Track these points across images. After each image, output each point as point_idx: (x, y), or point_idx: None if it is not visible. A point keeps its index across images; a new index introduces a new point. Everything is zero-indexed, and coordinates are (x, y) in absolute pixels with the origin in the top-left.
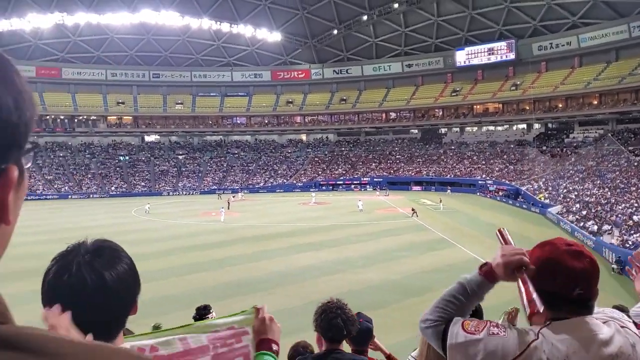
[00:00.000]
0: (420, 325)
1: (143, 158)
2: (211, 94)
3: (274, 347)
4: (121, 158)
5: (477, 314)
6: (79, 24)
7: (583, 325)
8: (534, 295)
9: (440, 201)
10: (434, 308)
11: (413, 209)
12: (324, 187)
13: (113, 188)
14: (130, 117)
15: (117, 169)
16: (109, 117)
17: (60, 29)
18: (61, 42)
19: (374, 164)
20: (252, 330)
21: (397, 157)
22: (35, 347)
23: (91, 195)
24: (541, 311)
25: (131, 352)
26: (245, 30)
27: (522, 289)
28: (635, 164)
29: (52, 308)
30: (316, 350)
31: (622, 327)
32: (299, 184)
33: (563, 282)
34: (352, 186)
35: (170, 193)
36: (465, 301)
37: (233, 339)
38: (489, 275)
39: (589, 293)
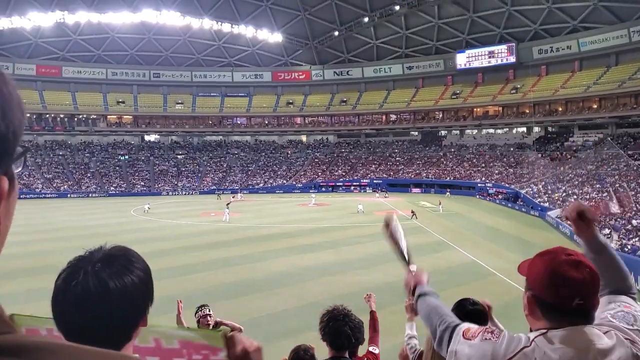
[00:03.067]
0: (435, 343)
1: (142, 158)
2: (212, 94)
3: None
4: (121, 157)
5: (482, 316)
6: (79, 23)
7: (581, 335)
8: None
9: (440, 204)
10: (435, 324)
11: (412, 211)
12: (323, 189)
13: (112, 187)
14: (130, 117)
15: (117, 168)
16: (108, 116)
17: (61, 27)
18: (62, 40)
19: (373, 166)
20: (225, 351)
21: (397, 159)
22: (41, 356)
23: (90, 195)
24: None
25: (133, 357)
26: (246, 30)
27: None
28: (635, 168)
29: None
30: (316, 353)
31: (626, 338)
32: (299, 185)
33: (562, 293)
34: (352, 188)
35: (170, 193)
36: (440, 303)
37: (208, 351)
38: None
39: (589, 304)
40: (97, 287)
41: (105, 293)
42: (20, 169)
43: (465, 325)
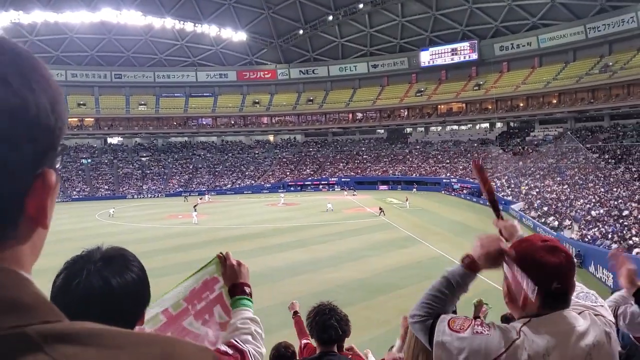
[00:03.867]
0: (409, 320)
1: (106, 161)
2: (175, 95)
3: (247, 289)
4: (83, 161)
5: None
6: (36, 23)
7: (561, 320)
8: (524, 283)
9: (407, 200)
10: (421, 303)
11: (380, 208)
12: (292, 188)
13: (75, 192)
14: (92, 119)
15: (79, 172)
16: (69, 119)
17: (17, 27)
18: (18, 41)
19: (341, 164)
20: (222, 277)
21: (364, 157)
22: (98, 341)
23: None
24: (534, 300)
25: (174, 339)
26: (209, 29)
27: (509, 276)
28: (593, 161)
29: None
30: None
31: (596, 315)
32: (267, 185)
33: (541, 277)
34: (320, 186)
35: (135, 196)
36: (450, 294)
37: (207, 291)
38: (472, 266)
39: (566, 286)
40: (100, 284)
41: (109, 290)
42: (60, 164)
43: (449, 315)
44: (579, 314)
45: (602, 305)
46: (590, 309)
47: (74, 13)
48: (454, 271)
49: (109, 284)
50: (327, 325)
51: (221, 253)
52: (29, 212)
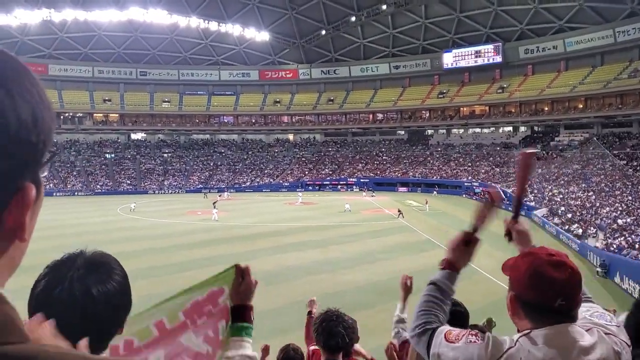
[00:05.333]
0: (410, 334)
1: (129, 156)
2: (198, 93)
3: (252, 316)
4: (107, 156)
5: (463, 317)
6: (66, 21)
7: (563, 334)
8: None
9: (426, 202)
10: (417, 314)
11: (399, 210)
12: (310, 187)
13: (98, 186)
14: (117, 115)
15: (103, 166)
16: (95, 115)
17: (48, 25)
18: (48, 38)
19: (360, 165)
20: (228, 289)
21: (383, 158)
22: None
23: (76, 193)
24: (510, 307)
25: None
26: (233, 29)
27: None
28: (620, 167)
29: (33, 318)
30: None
31: (606, 334)
32: (286, 184)
33: (545, 293)
34: (339, 186)
35: (156, 191)
36: (442, 297)
37: (209, 305)
38: (449, 266)
39: (571, 303)
40: (82, 293)
41: (90, 299)
42: (45, 173)
43: (447, 327)
44: (587, 330)
45: (617, 326)
46: (601, 327)
47: (103, 11)
48: (438, 276)
49: (90, 293)
50: (334, 332)
51: (240, 264)
52: (6, 226)
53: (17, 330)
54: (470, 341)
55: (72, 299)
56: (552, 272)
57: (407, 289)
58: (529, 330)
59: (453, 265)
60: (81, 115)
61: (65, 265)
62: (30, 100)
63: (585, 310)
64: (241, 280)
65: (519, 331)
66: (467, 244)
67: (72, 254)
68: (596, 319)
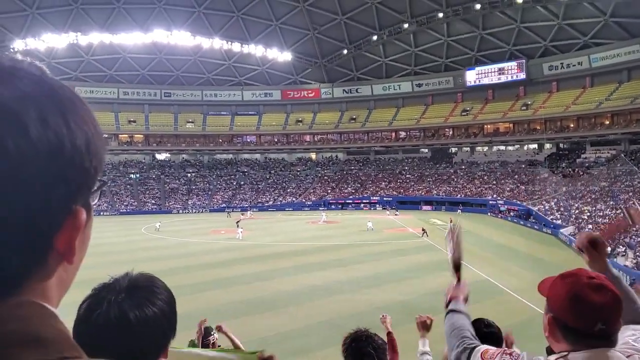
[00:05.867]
0: (450, 352)
1: (153, 176)
2: (222, 113)
3: None
4: (132, 176)
5: (497, 338)
6: (92, 44)
7: (603, 359)
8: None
9: (451, 221)
10: (452, 334)
11: (423, 229)
12: (333, 206)
13: (123, 205)
14: (142, 135)
15: (128, 186)
16: (120, 135)
17: (74, 48)
18: (75, 61)
19: (383, 183)
20: None
21: (407, 176)
22: None
23: (102, 213)
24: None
25: None
26: (256, 50)
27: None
28: None
29: None
30: None
31: None
32: (308, 203)
33: (585, 317)
34: (362, 205)
35: (180, 211)
36: (467, 318)
37: None
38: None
39: (611, 328)
40: (118, 318)
41: (126, 324)
42: (96, 201)
43: (484, 347)
44: (628, 356)
45: None
46: None
47: (128, 34)
48: (452, 306)
49: (126, 318)
50: (363, 352)
51: (263, 354)
52: (57, 248)
53: (72, 346)
54: None
55: (107, 323)
56: (593, 296)
57: (426, 327)
58: (566, 353)
59: (459, 298)
60: (106, 136)
61: (107, 289)
62: (85, 128)
63: (630, 335)
64: None
65: (549, 352)
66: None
67: (117, 277)
68: (638, 344)
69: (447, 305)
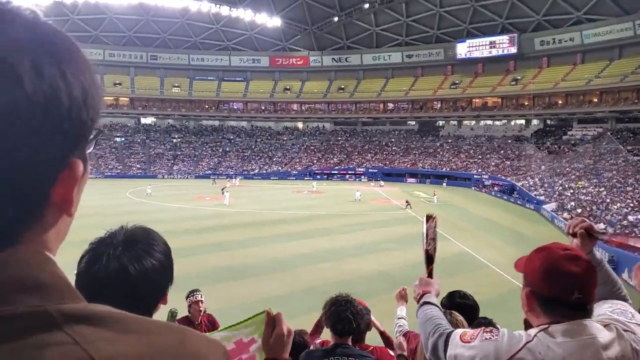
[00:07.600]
0: (424, 340)
1: (139, 140)
2: (208, 78)
3: None
4: (117, 139)
5: (472, 310)
6: (77, 3)
7: (582, 329)
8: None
9: (435, 194)
10: (425, 322)
11: (407, 201)
12: (318, 176)
13: (108, 169)
14: (127, 99)
15: (113, 150)
16: (105, 98)
17: (59, 7)
18: (59, 20)
19: (369, 155)
20: (260, 340)
21: (393, 148)
22: (115, 324)
23: None
24: (526, 303)
25: (190, 330)
26: (244, 14)
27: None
28: (633, 163)
29: None
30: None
31: (625, 330)
32: (294, 172)
33: (561, 287)
34: (347, 176)
35: (165, 176)
36: (440, 309)
37: (240, 354)
38: (427, 294)
39: (587, 297)
40: (117, 271)
41: (125, 277)
42: (91, 149)
43: (460, 330)
44: (605, 325)
45: (637, 324)
46: (621, 323)
47: None
48: (426, 299)
49: (126, 271)
50: (342, 317)
51: (270, 311)
52: (54, 200)
53: (73, 291)
54: (486, 338)
55: (107, 276)
56: (568, 266)
57: (404, 297)
58: (546, 325)
59: (430, 292)
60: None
61: (105, 243)
62: (81, 78)
63: (607, 307)
64: (272, 330)
65: (528, 327)
66: (430, 275)
67: (113, 230)
68: (616, 315)
69: (419, 300)
